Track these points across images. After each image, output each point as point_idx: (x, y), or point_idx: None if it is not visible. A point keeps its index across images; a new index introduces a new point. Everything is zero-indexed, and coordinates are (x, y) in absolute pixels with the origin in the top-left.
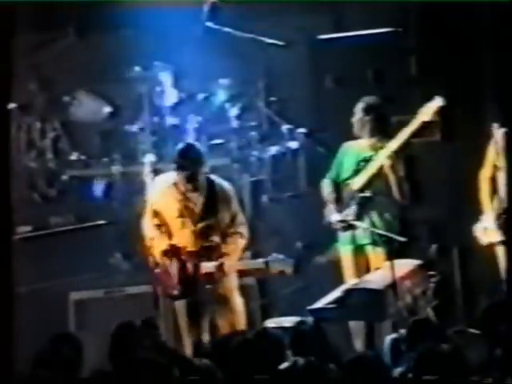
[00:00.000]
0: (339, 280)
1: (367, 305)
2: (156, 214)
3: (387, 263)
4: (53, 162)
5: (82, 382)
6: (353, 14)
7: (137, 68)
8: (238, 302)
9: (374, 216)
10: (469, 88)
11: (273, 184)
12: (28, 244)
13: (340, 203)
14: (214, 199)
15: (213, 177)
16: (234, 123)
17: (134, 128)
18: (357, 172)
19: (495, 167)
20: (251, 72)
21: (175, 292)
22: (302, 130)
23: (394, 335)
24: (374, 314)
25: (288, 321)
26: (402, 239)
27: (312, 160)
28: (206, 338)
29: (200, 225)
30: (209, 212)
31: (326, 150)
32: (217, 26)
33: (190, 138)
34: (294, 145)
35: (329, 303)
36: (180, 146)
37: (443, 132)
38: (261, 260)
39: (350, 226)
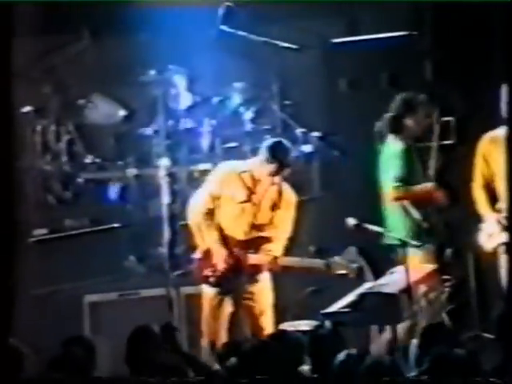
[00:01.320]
0: (353, 284)
1: (382, 309)
2: (214, 198)
3: (401, 267)
4: (68, 164)
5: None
6: (367, 18)
7: (151, 71)
8: (268, 303)
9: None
10: (484, 92)
11: None
12: (43, 246)
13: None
14: (280, 199)
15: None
16: (249, 126)
17: (149, 131)
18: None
19: (485, 177)
20: (265, 75)
21: (215, 279)
22: (316, 133)
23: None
24: (389, 318)
25: (305, 324)
26: (417, 244)
27: (326, 164)
28: (223, 336)
29: (259, 217)
30: (272, 208)
31: (341, 153)
32: (231, 30)
33: (205, 142)
34: (307, 148)
35: (343, 307)
36: (272, 140)
37: (458, 135)
38: (322, 261)
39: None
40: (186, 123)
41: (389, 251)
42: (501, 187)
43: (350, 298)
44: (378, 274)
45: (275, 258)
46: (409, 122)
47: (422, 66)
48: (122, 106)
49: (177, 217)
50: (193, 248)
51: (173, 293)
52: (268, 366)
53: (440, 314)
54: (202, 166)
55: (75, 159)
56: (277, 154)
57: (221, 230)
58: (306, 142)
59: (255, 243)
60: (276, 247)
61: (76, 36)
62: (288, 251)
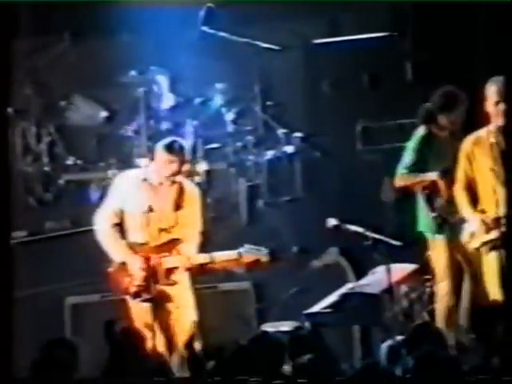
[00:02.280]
0: (335, 284)
1: (363, 309)
2: (116, 212)
3: (383, 267)
4: (49, 166)
5: None
6: (348, 19)
7: (133, 72)
8: (189, 303)
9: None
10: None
11: (269, 188)
12: (24, 249)
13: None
14: (182, 197)
15: (180, 177)
16: (230, 127)
17: (130, 132)
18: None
19: (468, 177)
20: (247, 76)
21: (135, 289)
22: (298, 134)
23: (390, 342)
24: (371, 318)
25: (285, 325)
26: (397, 243)
27: (308, 164)
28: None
29: (166, 221)
30: (175, 209)
31: (322, 154)
32: (212, 31)
33: (187, 143)
34: (290, 149)
35: (325, 308)
36: (167, 140)
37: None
38: (234, 251)
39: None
40: (168, 124)
41: (370, 251)
42: (482, 188)
43: (332, 298)
44: (359, 275)
45: (189, 257)
46: (442, 116)
47: (403, 67)
48: (103, 107)
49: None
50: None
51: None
52: (249, 368)
53: (421, 314)
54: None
55: (56, 161)
56: (172, 153)
57: (131, 242)
58: (288, 142)
59: (167, 247)
60: (188, 246)
61: (57, 37)
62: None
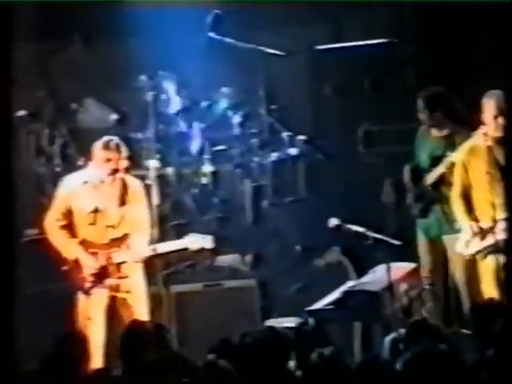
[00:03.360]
0: (337, 282)
1: (365, 306)
2: (64, 214)
3: (383, 266)
4: (61, 166)
5: (86, 380)
6: (351, 25)
7: (142, 77)
8: (142, 293)
9: (442, 210)
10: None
11: (273, 189)
12: (35, 247)
13: (417, 190)
14: (125, 194)
15: (122, 173)
16: (236, 130)
17: (140, 135)
18: (432, 166)
19: (464, 185)
20: (253, 81)
21: (89, 285)
22: (301, 137)
23: (393, 335)
24: (371, 315)
25: (289, 321)
26: (396, 243)
27: (311, 166)
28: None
29: (112, 218)
30: (120, 205)
31: (325, 156)
32: (219, 37)
33: (194, 145)
34: (293, 151)
35: (327, 304)
36: (104, 140)
37: None
38: (179, 241)
39: (422, 212)
40: (176, 127)
41: (371, 250)
42: (478, 196)
43: (334, 295)
44: (360, 273)
45: (137, 250)
46: (423, 114)
47: (404, 72)
48: (113, 111)
49: (166, 217)
50: None
51: (162, 291)
52: (257, 362)
53: (420, 311)
54: (191, 168)
55: (68, 161)
56: (109, 151)
57: (82, 240)
58: (292, 145)
59: (116, 242)
60: (137, 240)
61: (69, 42)
62: (274, 251)
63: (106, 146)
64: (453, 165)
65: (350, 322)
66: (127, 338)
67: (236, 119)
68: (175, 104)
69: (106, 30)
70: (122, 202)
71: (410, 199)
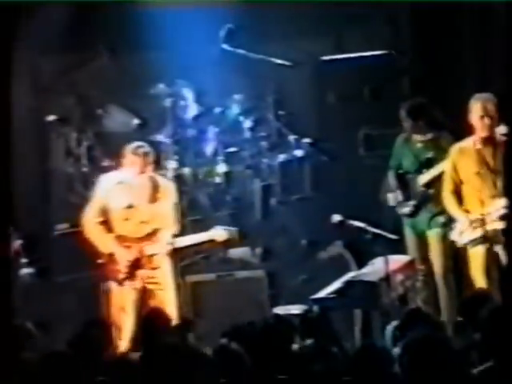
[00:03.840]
0: (339, 273)
1: (364, 295)
2: (101, 211)
3: (381, 258)
4: (87, 167)
5: (111, 363)
6: (352, 38)
7: (161, 85)
8: (170, 284)
9: (431, 208)
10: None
11: (281, 188)
12: (66, 239)
13: (405, 192)
14: (156, 192)
15: (155, 174)
16: (247, 134)
17: (159, 138)
18: (420, 169)
19: (455, 182)
20: (262, 89)
21: (122, 276)
22: (307, 140)
23: (394, 324)
24: (370, 303)
25: (295, 308)
26: (393, 237)
27: (316, 167)
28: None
29: (144, 214)
30: (152, 203)
31: (329, 158)
32: (232, 49)
33: (209, 147)
34: (299, 153)
35: (330, 293)
36: (133, 145)
37: None
38: (206, 232)
39: (412, 213)
40: (192, 131)
41: (370, 244)
42: (467, 191)
43: (336, 285)
44: (360, 265)
45: (167, 243)
46: (407, 122)
47: (401, 81)
48: (135, 116)
49: (183, 213)
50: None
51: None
52: (264, 345)
53: (415, 300)
54: (206, 169)
55: (94, 162)
56: (137, 155)
57: (117, 235)
58: (298, 147)
59: (148, 236)
60: (167, 234)
61: (95, 54)
62: (282, 245)
63: (135, 151)
64: (443, 172)
65: (350, 309)
66: (146, 325)
67: (247, 124)
68: (191, 110)
69: (128, 42)
70: (153, 199)
71: (395, 200)
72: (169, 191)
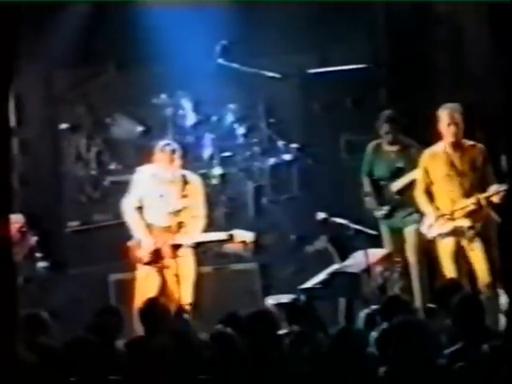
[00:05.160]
0: (324, 265)
1: (347, 285)
2: (138, 199)
3: (362, 251)
4: (96, 170)
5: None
6: (336, 53)
7: (163, 96)
8: (191, 271)
9: (405, 209)
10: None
11: (271, 189)
12: (77, 236)
13: (380, 197)
14: (186, 187)
15: (185, 171)
16: (241, 140)
17: (161, 144)
18: (391, 177)
19: (426, 183)
20: (254, 99)
21: (147, 259)
22: (294, 145)
23: (367, 310)
24: (353, 292)
25: (285, 298)
26: (373, 233)
27: (303, 169)
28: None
29: (173, 206)
30: (181, 197)
31: (314, 161)
32: (227, 63)
33: (206, 152)
34: (288, 157)
35: (316, 284)
36: (162, 143)
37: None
38: (226, 232)
39: (387, 215)
40: (191, 137)
41: (352, 239)
42: (437, 191)
43: (322, 276)
44: (343, 258)
45: (191, 236)
46: (381, 129)
47: (379, 93)
48: (139, 124)
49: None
50: None
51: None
52: (256, 331)
53: (393, 289)
54: (203, 172)
55: (102, 166)
56: (165, 153)
57: (148, 223)
58: (286, 152)
59: (175, 228)
60: (192, 227)
61: (104, 68)
62: (273, 240)
63: (163, 149)
64: (414, 180)
65: (335, 298)
66: (145, 312)
67: (240, 131)
68: (190, 118)
69: (134, 58)
70: (183, 194)
71: (372, 204)
72: (197, 188)
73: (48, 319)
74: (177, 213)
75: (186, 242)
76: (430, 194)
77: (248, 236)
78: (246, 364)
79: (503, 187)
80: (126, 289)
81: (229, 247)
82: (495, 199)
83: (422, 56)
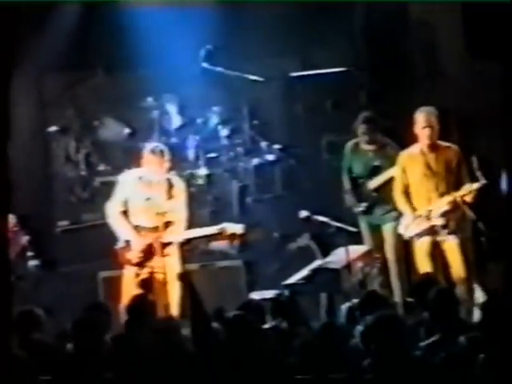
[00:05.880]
0: (307, 262)
1: (328, 281)
2: (123, 202)
3: (343, 248)
4: (85, 171)
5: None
6: (318, 57)
7: (150, 99)
8: (177, 269)
9: (383, 206)
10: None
11: (255, 188)
12: (66, 235)
13: (358, 194)
14: (171, 189)
15: (170, 174)
16: (225, 141)
17: (151, 146)
18: (369, 175)
19: (404, 184)
20: (238, 102)
21: (136, 260)
22: (277, 146)
23: (348, 304)
24: (334, 287)
25: (268, 293)
26: (354, 230)
27: (285, 169)
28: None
29: (160, 208)
30: (167, 198)
31: (297, 161)
32: (211, 67)
33: (191, 153)
34: (271, 157)
35: (299, 279)
36: (150, 146)
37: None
38: (216, 226)
39: (365, 212)
40: (176, 139)
41: (333, 236)
42: (415, 191)
43: (304, 272)
44: (325, 254)
45: (179, 233)
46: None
47: (359, 95)
48: (127, 126)
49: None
50: None
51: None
52: (241, 325)
53: (372, 285)
54: (189, 172)
55: (91, 167)
56: (154, 155)
57: (135, 225)
58: (270, 152)
59: (162, 227)
60: (178, 227)
61: (92, 72)
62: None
63: (152, 151)
64: (392, 178)
65: (317, 293)
66: (132, 308)
67: (225, 132)
68: (176, 120)
69: (121, 62)
70: (169, 195)
71: (351, 201)
72: (181, 190)
73: (42, 315)
74: (163, 213)
75: (177, 238)
76: (407, 194)
77: (238, 228)
78: (229, 356)
79: (475, 186)
80: (115, 286)
81: (215, 244)
82: (468, 198)
83: (400, 59)
